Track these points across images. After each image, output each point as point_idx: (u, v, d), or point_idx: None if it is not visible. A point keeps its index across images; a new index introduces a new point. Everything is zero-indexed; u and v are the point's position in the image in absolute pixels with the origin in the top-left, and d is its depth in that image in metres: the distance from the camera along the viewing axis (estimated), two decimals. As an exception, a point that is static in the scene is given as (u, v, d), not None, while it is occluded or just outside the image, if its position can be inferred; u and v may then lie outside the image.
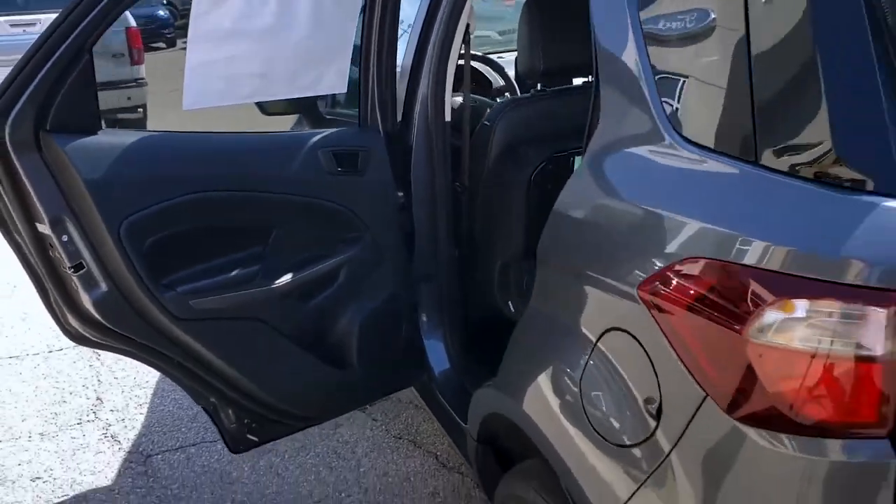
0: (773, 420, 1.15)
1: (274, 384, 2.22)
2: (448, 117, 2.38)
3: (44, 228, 1.85)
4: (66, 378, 3.66)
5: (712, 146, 1.31)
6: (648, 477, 1.33)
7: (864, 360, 1.09)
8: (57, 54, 1.77)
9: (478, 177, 2.51)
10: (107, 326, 1.97)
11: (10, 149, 1.75)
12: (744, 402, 1.17)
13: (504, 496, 1.91)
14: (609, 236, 1.49)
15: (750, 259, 1.16)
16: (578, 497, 1.50)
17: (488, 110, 2.72)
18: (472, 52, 3.45)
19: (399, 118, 2.42)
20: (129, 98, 6.81)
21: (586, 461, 1.48)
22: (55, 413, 3.39)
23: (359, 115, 2.35)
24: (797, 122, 1.20)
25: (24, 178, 1.79)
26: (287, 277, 2.13)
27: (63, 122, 1.80)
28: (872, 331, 1.07)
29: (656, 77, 1.44)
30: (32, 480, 2.94)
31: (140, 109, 7.18)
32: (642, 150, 1.44)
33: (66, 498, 2.84)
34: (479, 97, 3.27)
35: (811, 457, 1.13)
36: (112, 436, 3.21)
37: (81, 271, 1.87)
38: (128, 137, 1.94)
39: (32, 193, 1.80)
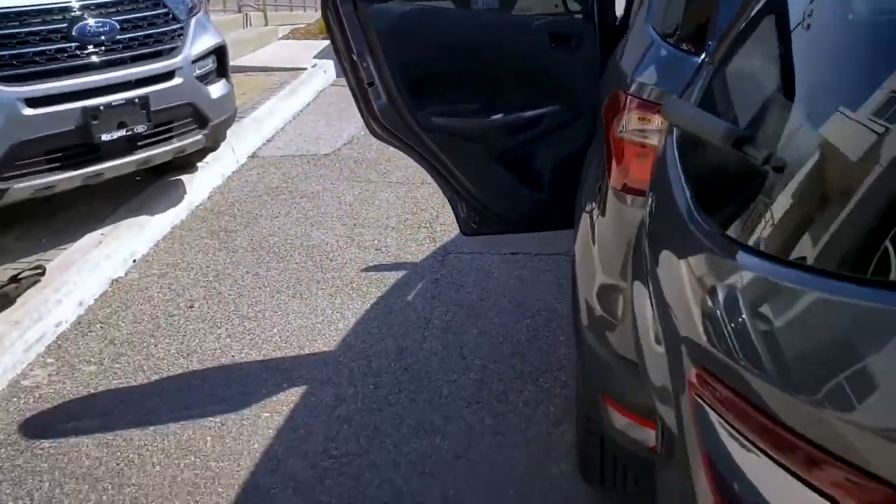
0: (626, 187, 1.91)
1: (485, 190, 3.21)
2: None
3: (356, 58, 3.05)
4: (423, 201, 5.10)
5: (661, 31, 2.03)
6: (594, 222, 2.14)
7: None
8: None
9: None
10: (385, 126, 3.15)
11: (339, 7, 2.96)
12: (615, 177, 1.94)
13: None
14: (607, 80, 2.26)
15: (629, 88, 1.91)
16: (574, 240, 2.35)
17: None
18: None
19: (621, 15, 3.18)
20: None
21: (578, 223, 2.31)
22: (406, 219, 4.84)
23: (583, 9, 3.17)
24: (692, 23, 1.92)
25: (346, 26, 2.98)
26: (500, 115, 3.10)
27: None
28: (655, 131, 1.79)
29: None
30: (375, 249, 4.42)
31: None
32: (634, 34, 2.19)
33: (389, 262, 4.27)
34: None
35: (639, 209, 1.88)
36: (433, 238, 4.55)
37: (372, 87, 3.06)
38: (408, 7, 3.05)
39: (349, 35, 2.99)
